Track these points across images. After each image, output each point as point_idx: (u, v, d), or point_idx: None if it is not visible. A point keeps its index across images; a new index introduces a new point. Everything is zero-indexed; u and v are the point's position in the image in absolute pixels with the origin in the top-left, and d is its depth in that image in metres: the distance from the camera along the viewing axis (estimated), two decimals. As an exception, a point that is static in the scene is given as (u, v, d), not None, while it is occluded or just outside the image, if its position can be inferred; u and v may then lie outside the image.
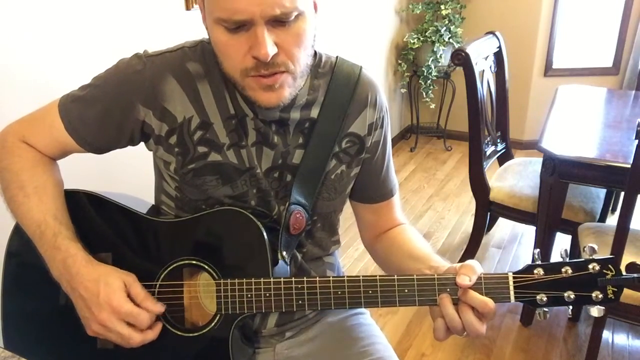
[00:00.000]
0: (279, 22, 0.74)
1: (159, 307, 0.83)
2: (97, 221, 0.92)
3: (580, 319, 2.18)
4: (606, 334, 2.07)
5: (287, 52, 0.77)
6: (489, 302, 0.76)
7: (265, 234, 0.86)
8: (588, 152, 1.86)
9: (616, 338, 2.09)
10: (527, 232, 2.81)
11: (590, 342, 1.82)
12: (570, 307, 0.78)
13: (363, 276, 0.81)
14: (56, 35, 1.51)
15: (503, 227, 2.87)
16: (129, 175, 1.64)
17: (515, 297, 0.77)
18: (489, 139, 2.42)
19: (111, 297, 0.79)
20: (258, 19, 0.72)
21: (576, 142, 1.97)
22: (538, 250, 0.80)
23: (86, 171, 1.26)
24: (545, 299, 0.77)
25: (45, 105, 0.93)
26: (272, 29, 0.74)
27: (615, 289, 0.75)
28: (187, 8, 1.90)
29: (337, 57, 0.95)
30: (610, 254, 1.60)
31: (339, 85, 0.92)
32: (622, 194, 1.61)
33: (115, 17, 1.67)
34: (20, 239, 0.91)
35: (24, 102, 1.02)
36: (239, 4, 0.71)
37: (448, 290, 0.78)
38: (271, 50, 0.74)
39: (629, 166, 1.54)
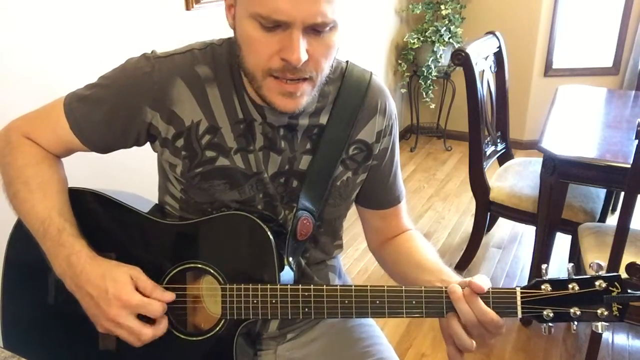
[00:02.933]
0: (314, 30, 0.74)
1: (169, 296, 0.83)
2: (101, 220, 0.92)
3: (580, 319, 2.18)
4: (606, 334, 2.07)
5: (315, 61, 0.76)
6: (489, 313, 0.75)
7: (272, 239, 0.85)
8: (588, 152, 1.86)
9: (616, 338, 2.09)
10: (527, 232, 2.80)
11: (590, 342, 1.82)
12: (575, 323, 0.78)
13: (371, 286, 0.80)
14: (56, 35, 1.51)
15: (503, 227, 2.87)
16: (131, 174, 1.64)
17: (523, 312, 0.77)
18: (489, 139, 2.42)
19: (120, 292, 0.79)
20: (298, 24, 0.72)
21: (576, 142, 1.97)
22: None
23: (88, 169, 1.26)
24: (551, 314, 0.77)
25: (50, 103, 0.92)
26: (305, 36, 0.74)
27: (621, 307, 0.75)
28: (187, 8, 1.90)
29: (347, 62, 0.94)
30: (610, 254, 1.61)
31: (349, 91, 0.91)
32: (622, 194, 1.61)
33: (115, 17, 1.67)
34: (20, 238, 0.90)
35: (25, 102, 1.02)
36: (284, 4, 0.70)
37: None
38: (304, 56, 0.73)
39: (629, 166, 1.54)
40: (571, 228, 2.04)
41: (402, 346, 2.05)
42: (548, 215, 1.96)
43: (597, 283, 0.76)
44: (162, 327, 0.82)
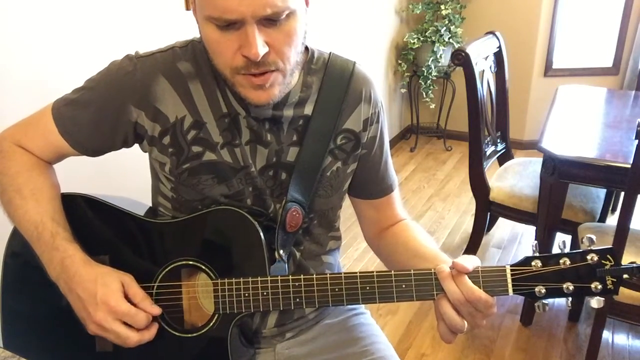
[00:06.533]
0: (270, 21, 0.74)
1: (156, 309, 0.83)
2: (94, 224, 0.92)
3: (580, 319, 2.18)
4: (606, 334, 2.07)
5: (277, 50, 0.77)
6: (477, 291, 0.75)
7: (261, 232, 0.86)
8: (588, 152, 1.86)
9: (616, 338, 2.09)
10: (527, 232, 2.81)
11: (590, 342, 1.82)
12: (570, 298, 0.77)
13: (360, 272, 0.81)
14: (55, 36, 1.51)
15: (503, 227, 2.87)
16: (125, 178, 1.64)
17: (514, 290, 0.77)
18: (489, 139, 2.43)
19: (108, 297, 0.79)
20: (249, 19, 0.72)
21: (576, 142, 1.97)
22: (536, 242, 0.79)
23: (82, 175, 1.26)
24: (543, 291, 0.76)
25: (39, 110, 0.93)
26: (262, 28, 0.74)
27: (615, 280, 0.74)
28: (187, 8, 1.90)
29: (330, 53, 0.95)
30: (610, 254, 1.61)
31: (332, 81, 0.92)
32: (622, 194, 1.61)
33: (115, 17, 1.67)
34: (19, 239, 0.90)
35: (22, 103, 1.03)
36: (230, 3, 0.71)
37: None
38: (261, 50, 0.74)
39: (629, 166, 1.54)
40: (571, 228, 2.04)
41: (402, 346, 2.05)
42: (548, 215, 1.96)
43: (589, 257, 0.74)
44: (150, 333, 0.83)
